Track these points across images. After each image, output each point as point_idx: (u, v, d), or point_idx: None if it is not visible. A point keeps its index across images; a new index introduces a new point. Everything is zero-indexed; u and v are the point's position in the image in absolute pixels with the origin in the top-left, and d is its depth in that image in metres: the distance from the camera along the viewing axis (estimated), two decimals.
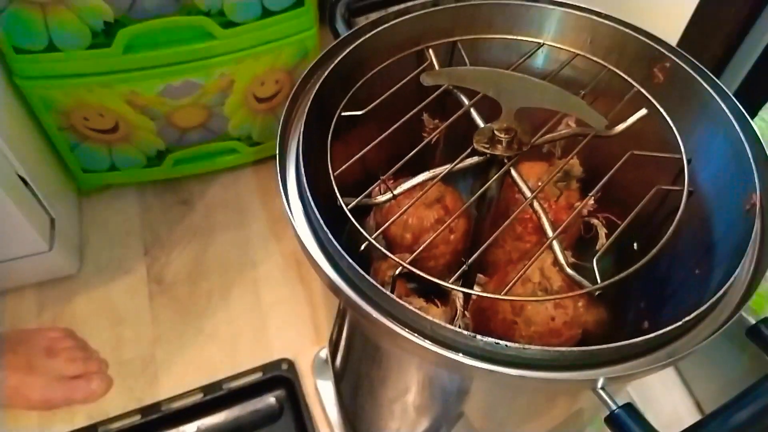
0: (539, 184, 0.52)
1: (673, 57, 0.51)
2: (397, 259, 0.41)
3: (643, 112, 0.50)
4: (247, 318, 0.85)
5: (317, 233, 0.43)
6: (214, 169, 0.95)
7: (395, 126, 0.49)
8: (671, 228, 0.42)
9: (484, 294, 0.41)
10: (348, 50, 0.51)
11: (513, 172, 0.48)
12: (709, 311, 0.41)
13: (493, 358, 0.38)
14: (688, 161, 0.46)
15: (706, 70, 0.51)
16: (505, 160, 0.47)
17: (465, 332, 0.37)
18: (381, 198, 0.49)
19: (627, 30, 0.53)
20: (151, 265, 0.88)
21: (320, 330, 0.84)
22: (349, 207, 0.43)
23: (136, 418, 0.76)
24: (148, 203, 0.95)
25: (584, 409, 0.52)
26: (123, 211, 0.94)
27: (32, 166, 0.78)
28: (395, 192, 0.49)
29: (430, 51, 0.54)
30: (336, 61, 0.50)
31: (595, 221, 0.51)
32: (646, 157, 0.50)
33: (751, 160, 0.46)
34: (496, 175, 0.47)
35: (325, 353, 0.80)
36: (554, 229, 0.45)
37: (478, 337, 0.37)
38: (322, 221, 0.41)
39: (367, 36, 0.52)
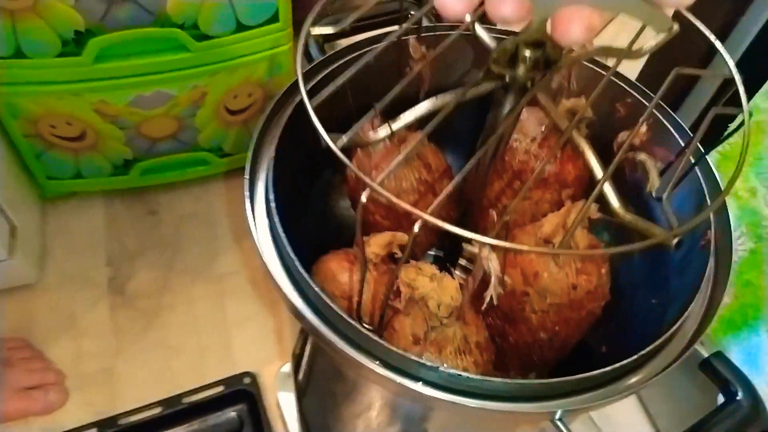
0: (542, 131, 0.45)
1: (633, 93, 0.53)
2: (417, 212, 0.31)
3: None
4: (211, 332, 0.84)
5: (283, 255, 0.43)
6: (183, 179, 0.94)
7: (380, 47, 0.41)
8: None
9: (535, 249, 0.34)
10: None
11: (540, 97, 0.39)
12: (665, 344, 0.43)
13: (454, 388, 0.38)
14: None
15: (664, 105, 0.52)
16: (528, 84, 0.37)
17: (428, 363, 0.37)
18: (376, 135, 0.40)
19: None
20: (114, 276, 0.87)
21: (285, 344, 0.84)
22: (339, 146, 0.35)
23: None
24: (115, 213, 0.93)
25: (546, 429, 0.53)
26: (88, 220, 0.92)
27: None
28: (393, 128, 0.40)
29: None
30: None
31: (642, 156, 0.45)
32: None
33: (707, 197, 0.47)
34: (522, 100, 0.37)
35: (288, 368, 0.80)
36: (604, 169, 0.35)
37: (441, 368, 0.37)
38: (289, 248, 0.41)
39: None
